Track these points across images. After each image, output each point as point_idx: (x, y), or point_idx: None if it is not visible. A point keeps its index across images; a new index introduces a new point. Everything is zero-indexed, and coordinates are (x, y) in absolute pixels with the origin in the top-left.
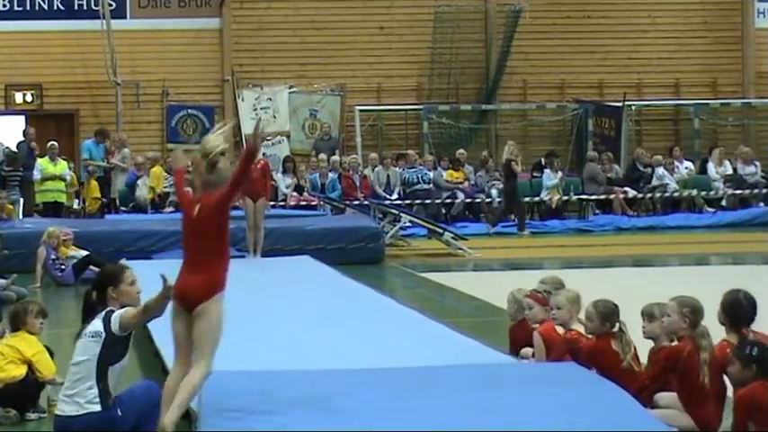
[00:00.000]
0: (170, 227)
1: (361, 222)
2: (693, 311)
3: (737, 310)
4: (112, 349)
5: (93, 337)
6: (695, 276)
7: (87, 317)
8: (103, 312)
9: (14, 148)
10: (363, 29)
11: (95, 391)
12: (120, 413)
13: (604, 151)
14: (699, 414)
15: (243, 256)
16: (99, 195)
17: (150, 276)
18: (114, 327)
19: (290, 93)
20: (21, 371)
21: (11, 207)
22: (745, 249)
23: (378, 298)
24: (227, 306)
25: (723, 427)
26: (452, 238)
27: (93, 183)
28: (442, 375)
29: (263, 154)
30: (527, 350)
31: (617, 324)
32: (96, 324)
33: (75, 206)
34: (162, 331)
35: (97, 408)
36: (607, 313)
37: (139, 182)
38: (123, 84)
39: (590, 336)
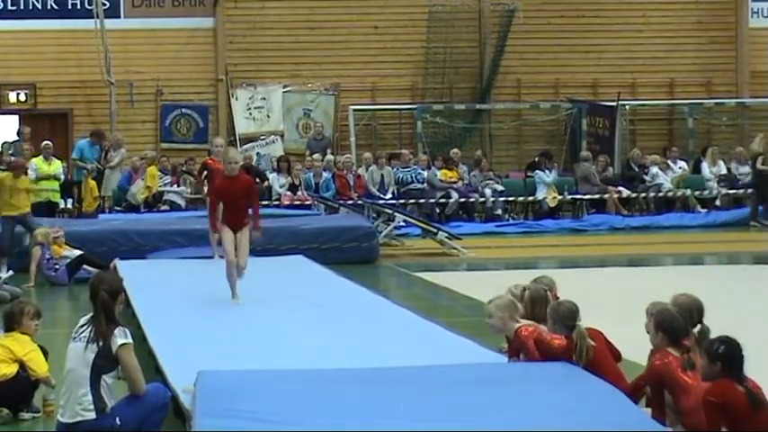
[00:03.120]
0: (164, 226)
1: (356, 222)
2: (680, 310)
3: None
4: (107, 359)
5: (90, 343)
6: (689, 276)
7: (108, 319)
8: (110, 325)
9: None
10: (357, 28)
11: (89, 397)
12: (118, 422)
13: (599, 151)
14: (685, 402)
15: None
16: (98, 195)
17: (146, 276)
18: (113, 347)
19: (283, 92)
20: (11, 369)
21: None
22: (739, 249)
23: (372, 297)
24: (220, 304)
25: None
26: (446, 237)
27: (92, 182)
28: (437, 375)
29: (258, 154)
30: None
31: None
32: (99, 331)
33: (68, 206)
34: (158, 331)
35: (92, 415)
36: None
37: (132, 186)
38: (117, 83)
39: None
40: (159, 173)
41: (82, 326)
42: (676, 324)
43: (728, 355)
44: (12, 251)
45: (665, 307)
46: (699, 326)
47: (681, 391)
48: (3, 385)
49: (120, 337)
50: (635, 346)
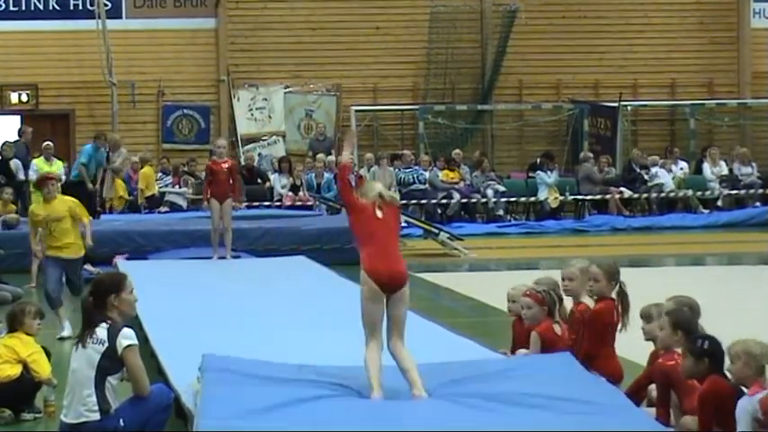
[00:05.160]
0: (165, 227)
1: None
2: (690, 311)
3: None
4: (112, 361)
5: (95, 344)
6: (691, 276)
7: (88, 323)
8: (108, 325)
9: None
10: (359, 29)
11: (94, 398)
12: (122, 423)
13: (600, 151)
14: (691, 404)
15: (238, 257)
16: (125, 194)
17: (147, 277)
18: (119, 348)
19: (285, 93)
20: (15, 370)
21: (12, 207)
22: (741, 249)
23: None
24: (222, 305)
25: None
26: (448, 238)
27: (119, 182)
28: (438, 373)
29: (259, 154)
30: (522, 351)
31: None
32: (101, 333)
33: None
34: (160, 332)
35: (96, 416)
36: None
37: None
38: (119, 84)
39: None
40: (160, 173)
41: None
42: (694, 324)
43: (714, 351)
44: (59, 299)
45: (680, 307)
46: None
47: (687, 392)
48: (6, 386)
49: (126, 339)
50: (635, 347)
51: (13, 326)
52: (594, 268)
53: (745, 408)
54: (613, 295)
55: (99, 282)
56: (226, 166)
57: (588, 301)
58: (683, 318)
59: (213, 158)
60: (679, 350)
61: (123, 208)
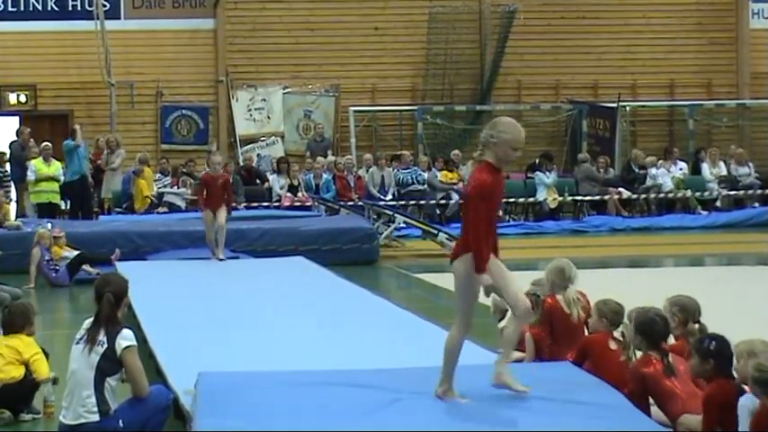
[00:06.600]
0: (164, 227)
1: (356, 223)
2: (682, 310)
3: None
4: (111, 362)
5: (94, 345)
6: (690, 277)
7: (104, 324)
8: (114, 327)
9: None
10: (358, 29)
11: (93, 400)
12: (121, 424)
13: (599, 152)
14: (673, 409)
15: (237, 257)
16: (148, 194)
17: (145, 277)
18: (118, 349)
19: (284, 93)
20: (19, 372)
21: (7, 207)
22: (740, 250)
23: (372, 299)
24: (221, 306)
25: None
26: (447, 238)
27: (142, 181)
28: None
29: (258, 155)
30: (515, 355)
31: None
32: (101, 334)
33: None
34: (159, 332)
35: (95, 417)
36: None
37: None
38: (117, 84)
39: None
40: (159, 174)
41: (87, 328)
42: (656, 327)
43: (720, 351)
44: None
45: (645, 309)
46: (697, 325)
47: (667, 397)
48: (9, 387)
49: (125, 340)
50: None
51: (16, 327)
52: (593, 305)
53: (747, 406)
54: (617, 335)
55: (119, 281)
56: (220, 180)
57: (560, 297)
58: (643, 321)
59: (208, 172)
60: (652, 353)
61: (145, 208)
